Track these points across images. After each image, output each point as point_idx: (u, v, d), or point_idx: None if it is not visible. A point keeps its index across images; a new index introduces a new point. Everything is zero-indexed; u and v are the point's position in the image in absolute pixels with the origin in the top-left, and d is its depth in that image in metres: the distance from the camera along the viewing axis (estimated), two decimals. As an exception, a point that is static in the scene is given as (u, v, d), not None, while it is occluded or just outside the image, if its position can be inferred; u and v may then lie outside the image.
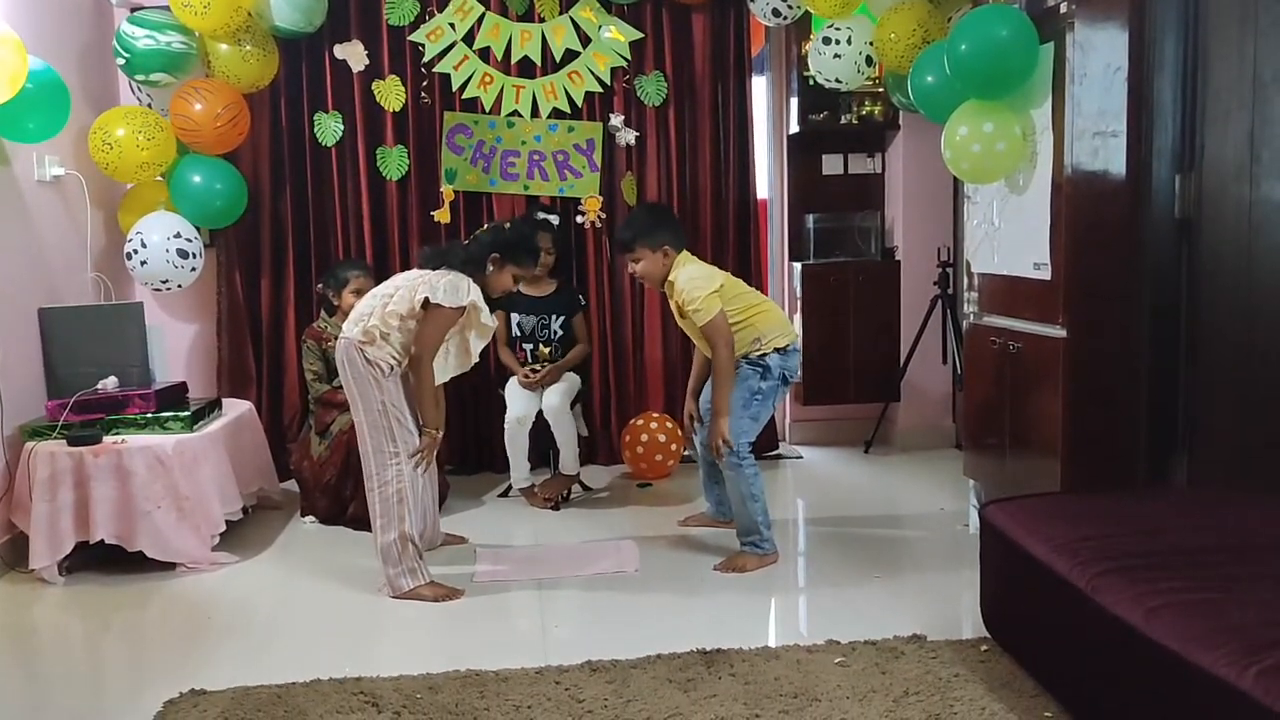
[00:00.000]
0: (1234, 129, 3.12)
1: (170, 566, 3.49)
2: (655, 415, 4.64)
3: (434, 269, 3.27)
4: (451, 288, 3.19)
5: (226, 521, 3.71)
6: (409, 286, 3.24)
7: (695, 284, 3.37)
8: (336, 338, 3.35)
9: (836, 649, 2.70)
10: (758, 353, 3.43)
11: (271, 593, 3.36)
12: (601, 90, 4.74)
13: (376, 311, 3.21)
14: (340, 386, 3.56)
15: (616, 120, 4.76)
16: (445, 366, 3.42)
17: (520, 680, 2.57)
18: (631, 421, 4.66)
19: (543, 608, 3.14)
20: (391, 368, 3.19)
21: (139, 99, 4.40)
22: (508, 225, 3.59)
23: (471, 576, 3.39)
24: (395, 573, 3.21)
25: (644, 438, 4.54)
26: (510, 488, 4.35)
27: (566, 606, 3.17)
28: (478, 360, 3.51)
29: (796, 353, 3.52)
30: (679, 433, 4.57)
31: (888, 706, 2.38)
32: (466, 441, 4.81)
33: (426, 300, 3.18)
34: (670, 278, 3.43)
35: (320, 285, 4.27)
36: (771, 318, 3.50)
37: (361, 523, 3.55)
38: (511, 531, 3.95)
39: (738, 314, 3.41)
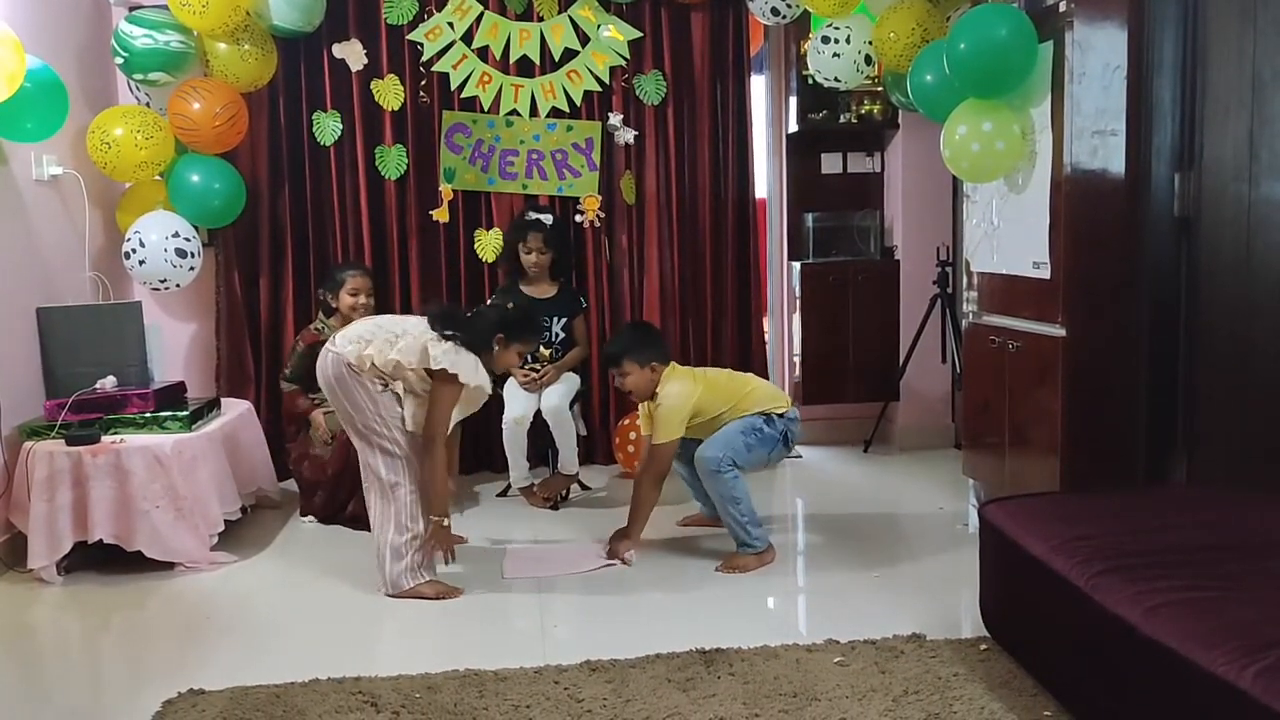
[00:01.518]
0: (1233, 128, 3.12)
1: (169, 566, 3.48)
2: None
3: (442, 333, 3.17)
4: (473, 367, 3.14)
5: (225, 521, 3.71)
6: (419, 340, 3.14)
7: (671, 410, 3.42)
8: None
9: (836, 648, 2.70)
10: (757, 412, 3.51)
11: (270, 592, 3.36)
12: (600, 89, 4.73)
13: (377, 345, 3.14)
14: (318, 400, 3.59)
15: (615, 119, 4.76)
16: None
17: (519, 680, 2.56)
18: (621, 422, 4.66)
19: (541, 607, 3.13)
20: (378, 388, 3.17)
21: (137, 98, 4.39)
22: (511, 305, 3.59)
23: (457, 574, 3.38)
24: (395, 571, 3.20)
25: (633, 435, 4.53)
26: (509, 487, 4.35)
27: (565, 606, 3.17)
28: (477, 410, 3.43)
29: (796, 420, 3.60)
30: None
31: (887, 706, 2.38)
32: (465, 441, 4.79)
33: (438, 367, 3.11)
34: (658, 390, 3.49)
35: (320, 291, 4.27)
36: (757, 396, 3.56)
37: (360, 522, 3.56)
38: (510, 531, 3.94)
39: (725, 405, 3.49)
